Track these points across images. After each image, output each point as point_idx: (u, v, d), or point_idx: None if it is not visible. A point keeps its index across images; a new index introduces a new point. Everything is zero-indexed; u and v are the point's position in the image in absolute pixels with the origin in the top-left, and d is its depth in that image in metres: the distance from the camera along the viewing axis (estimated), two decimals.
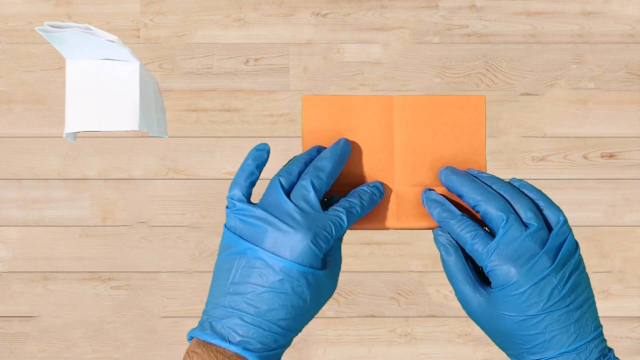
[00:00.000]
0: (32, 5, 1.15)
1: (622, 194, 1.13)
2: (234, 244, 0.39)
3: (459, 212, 0.42)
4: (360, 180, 0.44)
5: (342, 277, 0.44)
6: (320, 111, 0.45)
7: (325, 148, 0.44)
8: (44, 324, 1.13)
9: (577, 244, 0.41)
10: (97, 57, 0.65)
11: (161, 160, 1.14)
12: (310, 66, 1.14)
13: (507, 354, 0.42)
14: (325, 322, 1.13)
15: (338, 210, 0.40)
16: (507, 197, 0.41)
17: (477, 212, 0.41)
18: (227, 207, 0.41)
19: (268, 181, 0.42)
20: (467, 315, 0.42)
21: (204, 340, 0.37)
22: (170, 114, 1.13)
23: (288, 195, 0.40)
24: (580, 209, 1.13)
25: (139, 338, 1.13)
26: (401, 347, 1.13)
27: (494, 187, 0.42)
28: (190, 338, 0.38)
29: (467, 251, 0.41)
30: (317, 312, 0.40)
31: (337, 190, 0.44)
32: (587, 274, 0.41)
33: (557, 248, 0.39)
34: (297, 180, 0.41)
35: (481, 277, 0.42)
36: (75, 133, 0.69)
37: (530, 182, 0.43)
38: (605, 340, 0.40)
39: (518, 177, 0.44)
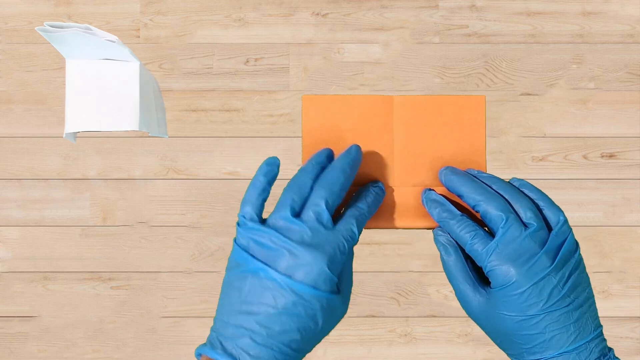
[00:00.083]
0: (32, 5, 1.15)
1: (622, 194, 1.13)
2: (245, 262, 0.38)
3: (458, 212, 0.42)
4: (360, 181, 0.44)
5: None
6: (320, 111, 0.45)
7: (333, 152, 0.43)
8: (44, 324, 1.13)
9: (577, 243, 0.41)
10: (97, 57, 0.65)
11: (161, 160, 1.14)
12: (310, 66, 1.14)
13: (507, 354, 0.42)
14: None
15: (349, 222, 0.39)
16: (507, 197, 0.41)
17: (476, 212, 0.41)
18: (238, 224, 0.40)
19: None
20: (467, 315, 0.42)
21: (214, 359, 0.37)
22: (170, 114, 1.13)
23: (300, 212, 0.39)
24: (580, 209, 1.13)
25: (139, 338, 1.13)
26: (401, 347, 1.13)
27: (493, 187, 0.42)
28: (199, 355, 0.38)
29: (466, 251, 0.41)
30: (328, 333, 0.39)
31: None
32: (587, 274, 0.41)
33: (557, 248, 0.39)
34: (309, 194, 0.39)
35: (481, 277, 0.42)
36: (75, 133, 0.69)
37: (530, 182, 0.43)
38: (605, 340, 0.40)
39: (518, 177, 0.44)
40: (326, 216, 0.38)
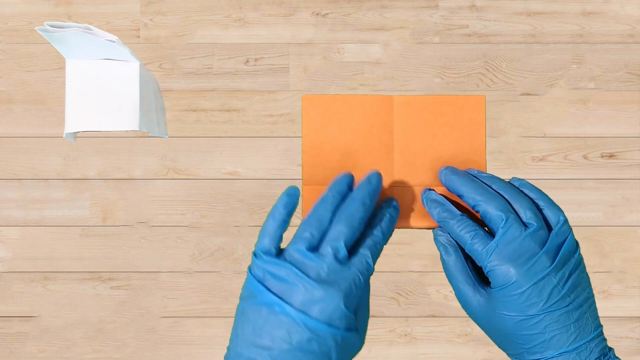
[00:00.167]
0: (32, 5, 1.15)
1: (622, 194, 1.13)
2: (260, 294, 0.38)
3: (458, 212, 0.42)
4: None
5: None
6: (320, 111, 0.45)
7: (353, 178, 0.42)
8: (44, 324, 1.13)
9: (577, 243, 0.41)
10: (97, 57, 0.65)
11: (161, 160, 1.14)
12: (310, 66, 1.14)
13: (507, 354, 0.42)
14: None
15: (365, 254, 0.39)
16: (506, 197, 0.41)
17: (476, 212, 0.41)
18: (254, 253, 0.39)
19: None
20: (467, 315, 0.42)
21: None
22: (170, 114, 1.13)
23: (318, 246, 0.38)
24: (580, 209, 1.13)
25: (139, 338, 1.13)
26: (401, 347, 1.13)
27: (493, 186, 0.42)
28: None
29: (466, 251, 0.41)
30: None
31: None
32: (587, 274, 0.41)
33: (557, 248, 0.39)
34: (328, 227, 0.39)
35: (481, 277, 0.42)
36: (75, 133, 0.69)
37: (530, 182, 0.43)
38: (605, 340, 0.40)
39: (518, 177, 0.43)
40: (343, 252, 0.38)
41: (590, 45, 1.14)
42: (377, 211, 0.41)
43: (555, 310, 0.38)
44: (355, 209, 0.39)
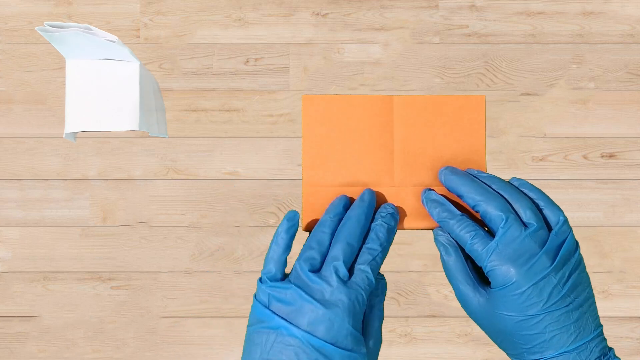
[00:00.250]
0: (32, 5, 1.15)
1: (622, 194, 1.13)
2: (267, 319, 0.38)
3: (458, 212, 0.42)
4: (360, 181, 0.44)
5: None
6: (320, 111, 0.45)
7: (349, 200, 0.43)
8: (44, 324, 1.13)
9: (577, 243, 0.41)
10: (97, 57, 0.65)
11: (161, 160, 1.14)
12: (310, 66, 1.14)
13: (507, 354, 0.42)
14: None
15: (364, 270, 0.40)
16: (506, 197, 0.41)
17: (476, 212, 0.41)
18: (259, 280, 0.40)
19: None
20: (467, 315, 0.42)
21: None
22: (170, 114, 1.13)
23: (320, 267, 0.39)
24: (580, 209, 1.13)
25: (139, 338, 1.13)
26: (401, 347, 1.13)
27: (493, 186, 0.42)
28: None
29: (466, 251, 0.41)
30: None
31: (337, 191, 0.44)
32: (587, 274, 0.41)
33: (557, 248, 0.39)
34: (328, 248, 0.40)
35: (481, 277, 0.42)
36: (75, 133, 0.69)
37: (530, 182, 0.43)
38: (605, 340, 0.40)
39: (518, 177, 0.43)
40: (343, 272, 0.39)
41: (590, 45, 1.14)
42: (375, 223, 0.42)
43: (555, 310, 0.38)
44: (351, 229, 0.40)
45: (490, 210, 0.40)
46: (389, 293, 1.13)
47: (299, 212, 0.44)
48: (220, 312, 1.13)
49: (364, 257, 0.40)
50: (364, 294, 0.39)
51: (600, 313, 0.41)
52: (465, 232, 0.41)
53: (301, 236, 0.44)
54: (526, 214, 0.40)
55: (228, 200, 1.14)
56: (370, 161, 0.44)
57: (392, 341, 1.13)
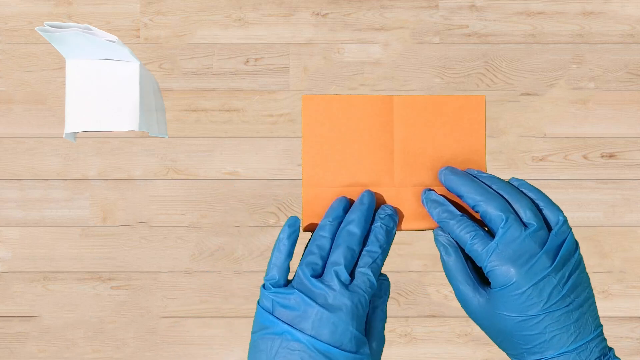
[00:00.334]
0: (32, 5, 1.15)
1: (622, 194, 1.13)
2: (272, 325, 0.39)
3: (458, 213, 0.42)
4: (360, 181, 0.44)
5: None
6: (320, 111, 0.45)
7: (349, 202, 0.43)
8: (44, 324, 1.13)
9: (577, 243, 0.40)
10: (97, 57, 0.65)
11: (161, 160, 1.14)
12: (310, 66, 1.14)
13: (507, 354, 0.42)
14: None
15: (365, 272, 0.40)
16: (506, 197, 0.41)
17: (476, 212, 0.41)
18: (263, 286, 0.41)
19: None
20: (467, 315, 0.42)
21: None
22: (170, 114, 1.13)
23: (322, 272, 0.40)
24: (580, 209, 1.13)
25: (139, 338, 1.13)
26: (401, 347, 1.13)
27: (493, 187, 0.42)
28: None
29: (466, 251, 0.41)
30: None
31: (337, 191, 0.44)
32: (587, 274, 0.41)
33: (557, 248, 0.39)
34: (329, 252, 0.40)
35: (481, 278, 0.42)
36: (75, 133, 0.69)
37: (530, 182, 0.43)
38: (605, 340, 0.40)
39: (518, 177, 0.43)
40: (344, 275, 0.39)
41: (590, 45, 1.14)
42: (374, 225, 0.42)
43: (555, 310, 0.38)
44: (351, 232, 0.40)
45: (490, 210, 0.40)
46: None
47: (299, 213, 0.44)
48: (220, 312, 1.13)
49: (365, 259, 0.40)
50: (366, 297, 0.39)
51: (600, 313, 0.41)
52: (465, 233, 0.40)
53: (302, 237, 0.44)
54: (526, 214, 0.40)
55: (228, 200, 1.14)
56: (370, 161, 0.44)
57: (392, 341, 1.13)
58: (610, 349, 0.40)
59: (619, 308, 1.13)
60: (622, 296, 1.13)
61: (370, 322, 0.41)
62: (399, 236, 1.13)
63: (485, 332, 0.42)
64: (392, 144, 0.45)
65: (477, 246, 0.40)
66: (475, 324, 0.42)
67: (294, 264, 0.42)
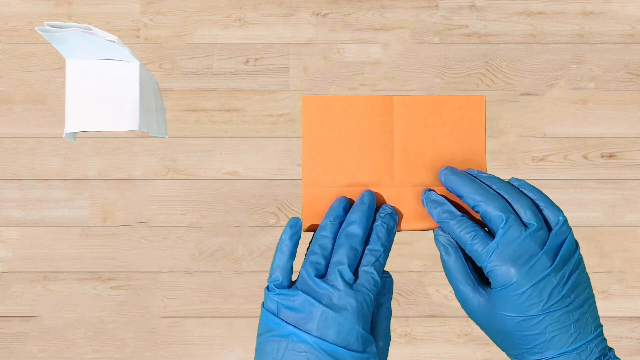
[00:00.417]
0: (32, 5, 1.15)
1: (622, 194, 1.13)
2: (276, 327, 0.38)
3: (458, 213, 0.42)
4: (360, 181, 0.44)
5: None
6: (320, 111, 0.45)
7: (349, 202, 0.43)
8: (44, 324, 1.13)
9: (577, 243, 0.40)
10: (97, 57, 0.65)
11: (161, 160, 1.14)
12: (310, 66, 1.14)
13: (507, 354, 0.42)
14: None
15: (369, 271, 0.40)
16: (506, 197, 0.41)
17: (476, 212, 0.41)
18: (266, 288, 0.40)
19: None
20: (467, 315, 0.42)
21: None
22: (170, 114, 1.13)
23: (325, 272, 0.40)
24: (580, 209, 1.13)
25: (139, 338, 1.13)
26: (401, 347, 1.13)
27: (493, 187, 0.42)
28: None
29: (466, 251, 0.41)
30: None
31: (337, 191, 0.44)
32: (587, 274, 0.41)
33: (557, 248, 0.39)
34: (331, 252, 0.40)
35: (481, 278, 0.42)
36: (75, 133, 0.69)
37: (530, 182, 0.43)
38: (605, 340, 0.40)
39: (518, 177, 0.43)
40: (348, 275, 0.39)
41: (590, 45, 1.14)
42: (375, 224, 0.42)
43: (555, 310, 0.38)
44: (353, 232, 0.40)
45: (490, 210, 0.40)
46: None
47: (299, 213, 0.44)
48: (220, 312, 1.13)
49: (368, 258, 0.40)
50: (371, 295, 0.39)
51: (600, 313, 0.41)
52: (466, 233, 0.40)
53: (303, 238, 0.44)
54: (526, 214, 0.40)
55: (228, 200, 1.14)
56: (370, 161, 0.44)
57: (392, 341, 1.13)
58: (610, 349, 0.40)
59: (619, 308, 1.13)
60: (622, 296, 1.13)
61: (375, 321, 0.41)
62: (399, 236, 1.13)
63: (485, 332, 0.41)
64: (392, 144, 0.45)
65: (477, 246, 0.40)
66: (475, 324, 0.42)
67: (297, 264, 0.42)
